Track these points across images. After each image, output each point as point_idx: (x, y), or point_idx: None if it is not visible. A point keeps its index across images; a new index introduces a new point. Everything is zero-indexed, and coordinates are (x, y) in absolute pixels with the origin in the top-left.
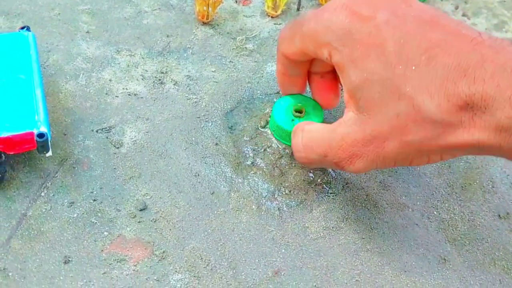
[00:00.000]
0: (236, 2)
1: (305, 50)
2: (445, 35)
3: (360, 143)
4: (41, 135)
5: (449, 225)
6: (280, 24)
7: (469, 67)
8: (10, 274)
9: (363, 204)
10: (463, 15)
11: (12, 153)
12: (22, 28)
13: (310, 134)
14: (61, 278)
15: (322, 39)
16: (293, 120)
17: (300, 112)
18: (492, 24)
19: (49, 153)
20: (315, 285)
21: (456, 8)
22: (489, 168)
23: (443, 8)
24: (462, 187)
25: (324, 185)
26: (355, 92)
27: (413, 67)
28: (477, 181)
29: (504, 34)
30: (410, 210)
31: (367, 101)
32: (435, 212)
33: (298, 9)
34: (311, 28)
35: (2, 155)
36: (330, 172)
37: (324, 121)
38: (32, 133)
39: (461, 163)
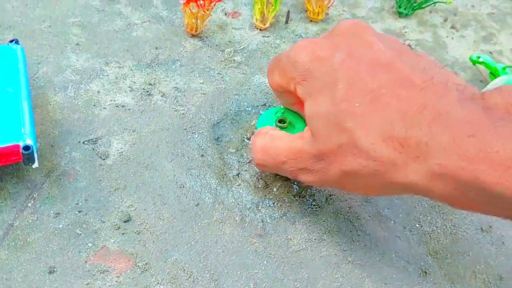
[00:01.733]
0: (226, 14)
1: (280, 83)
2: (395, 79)
3: (311, 160)
4: (26, 148)
5: (431, 238)
6: (268, 36)
7: (409, 111)
8: None
9: (345, 216)
10: (452, 27)
11: None
12: (11, 41)
13: (271, 139)
14: None
15: (290, 75)
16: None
17: (283, 122)
18: (481, 36)
19: (36, 165)
20: None
21: (445, 20)
22: None
23: (432, 21)
24: None
25: (308, 197)
26: (309, 121)
27: (357, 104)
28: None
29: (492, 46)
30: (392, 222)
31: (316, 130)
32: (417, 225)
33: (286, 22)
34: (283, 65)
35: None
36: (311, 185)
37: None
38: (18, 146)
39: None
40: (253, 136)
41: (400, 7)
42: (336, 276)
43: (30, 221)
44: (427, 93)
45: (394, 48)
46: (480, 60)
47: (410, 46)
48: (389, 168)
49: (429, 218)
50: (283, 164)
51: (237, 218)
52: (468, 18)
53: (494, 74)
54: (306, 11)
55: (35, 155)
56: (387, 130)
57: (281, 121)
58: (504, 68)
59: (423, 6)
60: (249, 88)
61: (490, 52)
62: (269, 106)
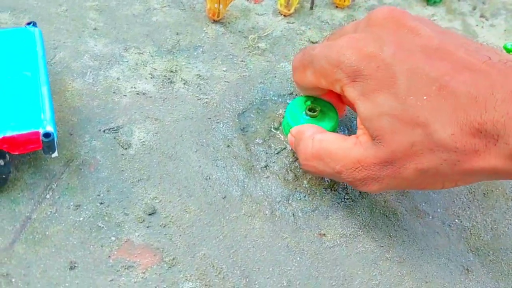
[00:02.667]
0: (248, 0)
1: (319, 84)
2: (453, 63)
3: (376, 167)
4: (47, 135)
5: (471, 233)
6: (293, 23)
7: (479, 95)
8: (13, 280)
9: (381, 211)
10: (481, 16)
11: (16, 153)
12: (29, 23)
13: (321, 145)
14: (66, 284)
15: (334, 77)
16: (307, 120)
17: (313, 111)
18: (511, 25)
19: (55, 154)
20: None
21: (474, 8)
22: None
23: (460, 9)
24: (484, 194)
25: (341, 191)
26: (367, 123)
27: (424, 97)
28: (499, 188)
29: None
30: (430, 217)
31: (380, 132)
32: (456, 220)
33: (311, 8)
34: (322, 67)
35: (7, 155)
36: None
37: (338, 124)
38: (37, 133)
39: None
40: (294, 138)
41: None
42: (374, 274)
43: (49, 213)
44: (491, 73)
45: (438, 31)
46: None
47: None
48: (471, 156)
49: (468, 213)
50: (339, 173)
51: (266, 212)
52: (498, 6)
53: None
54: None
55: (55, 143)
56: (462, 117)
57: (311, 109)
58: None
59: None
60: (275, 76)
61: None
62: (296, 95)
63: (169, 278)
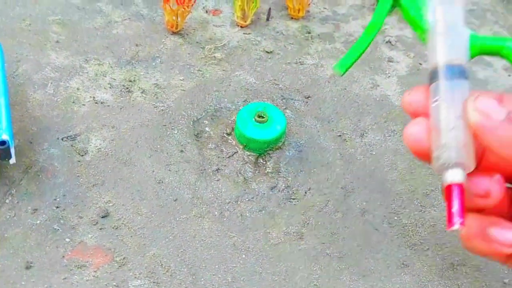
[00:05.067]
0: (207, 12)
1: None
2: None
3: None
4: (2, 143)
5: (409, 230)
6: (249, 33)
7: None
8: None
9: (324, 210)
10: None
11: None
12: None
13: None
14: (23, 283)
15: None
16: (256, 125)
17: (262, 117)
18: None
19: (13, 160)
20: None
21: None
22: None
23: None
24: (424, 193)
25: (287, 191)
26: None
27: None
28: (440, 187)
29: None
30: (371, 215)
31: None
32: (395, 218)
33: (267, 19)
34: None
35: None
36: (292, 178)
37: (286, 127)
38: None
39: (423, 170)
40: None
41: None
42: (314, 269)
43: (8, 217)
44: None
45: None
46: None
47: (390, 42)
48: None
49: (407, 211)
50: None
51: (216, 212)
52: None
53: None
54: (287, 8)
55: (12, 150)
56: None
57: (260, 116)
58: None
59: None
60: (229, 85)
61: None
62: (249, 102)
63: (119, 276)
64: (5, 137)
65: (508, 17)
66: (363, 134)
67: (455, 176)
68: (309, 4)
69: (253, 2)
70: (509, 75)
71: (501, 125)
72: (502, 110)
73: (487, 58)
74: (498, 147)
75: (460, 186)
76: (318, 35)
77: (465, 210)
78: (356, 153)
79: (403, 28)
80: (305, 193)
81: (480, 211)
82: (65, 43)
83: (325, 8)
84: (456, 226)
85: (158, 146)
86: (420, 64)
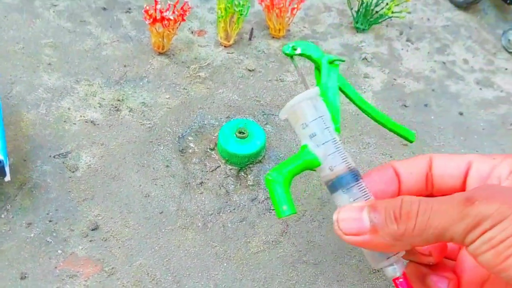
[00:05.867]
0: (192, 33)
1: None
2: None
3: None
4: None
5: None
6: (232, 53)
7: None
8: None
9: (302, 219)
10: (407, 40)
11: None
12: None
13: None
14: None
15: None
16: (237, 141)
17: (243, 133)
18: (435, 48)
19: (8, 178)
20: None
21: (401, 33)
22: None
23: (388, 35)
24: None
25: (266, 202)
26: None
27: None
28: None
29: (446, 57)
30: None
31: None
32: None
33: (250, 39)
34: None
35: None
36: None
37: (266, 142)
38: None
39: None
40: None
41: (357, 22)
42: (292, 275)
43: (3, 231)
44: None
45: None
46: (298, 51)
47: (366, 59)
48: None
49: None
50: None
51: (199, 224)
52: (423, 30)
53: (318, 69)
54: (268, 28)
55: (7, 169)
56: None
57: (241, 132)
58: (331, 61)
59: (379, 21)
60: (213, 102)
61: (444, 63)
62: (232, 118)
63: (108, 285)
64: (0, 157)
65: (481, 32)
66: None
67: (396, 272)
68: (289, 24)
69: (235, 23)
70: (480, 89)
71: (370, 238)
72: (364, 221)
73: (459, 72)
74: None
75: (405, 278)
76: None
77: None
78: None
79: (379, 45)
80: None
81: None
82: (57, 65)
83: (304, 27)
84: None
85: (145, 162)
86: (394, 79)
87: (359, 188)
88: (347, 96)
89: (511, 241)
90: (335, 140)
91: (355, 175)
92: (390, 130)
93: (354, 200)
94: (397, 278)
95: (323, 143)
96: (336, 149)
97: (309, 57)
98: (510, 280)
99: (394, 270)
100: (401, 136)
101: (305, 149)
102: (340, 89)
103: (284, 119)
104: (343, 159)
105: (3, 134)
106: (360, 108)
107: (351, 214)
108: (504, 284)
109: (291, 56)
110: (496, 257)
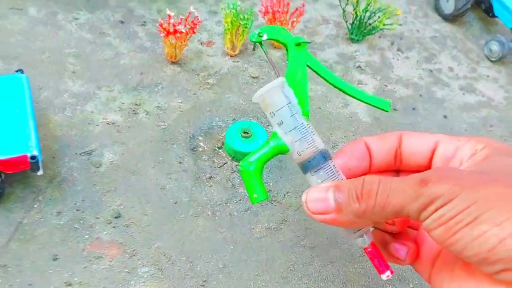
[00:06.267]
0: (201, 44)
1: None
2: None
3: None
4: (33, 157)
5: None
6: (238, 61)
7: None
8: (9, 269)
9: (300, 209)
10: (398, 49)
11: (10, 172)
12: (17, 71)
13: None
14: (51, 272)
15: None
16: (242, 140)
17: (247, 133)
18: (423, 57)
19: (40, 172)
20: (256, 274)
21: (392, 44)
22: None
23: (380, 45)
24: None
25: (269, 194)
26: None
27: None
28: None
29: (433, 66)
30: None
31: None
32: None
33: (253, 49)
34: None
35: (2, 174)
36: (273, 183)
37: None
38: (26, 156)
39: None
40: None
41: (352, 33)
42: (290, 257)
43: (36, 219)
44: None
45: None
46: (264, 37)
47: (360, 67)
48: None
49: None
50: None
51: (209, 212)
52: (413, 41)
53: (287, 49)
54: None
55: (40, 164)
56: None
57: (245, 132)
58: (298, 43)
59: (373, 32)
60: (221, 105)
61: (431, 71)
62: (237, 120)
63: (130, 265)
64: (35, 152)
65: (466, 42)
66: (335, 146)
67: (365, 242)
68: None
69: (241, 35)
70: (464, 94)
71: (335, 216)
72: (330, 200)
73: (445, 79)
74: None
75: (373, 247)
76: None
77: (385, 260)
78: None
79: (371, 55)
80: (284, 195)
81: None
82: (80, 73)
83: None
84: (386, 277)
85: (161, 158)
86: (385, 85)
87: (326, 170)
88: (318, 74)
89: (459, 218)
90: (302, 126)
91: (324, 157)
92: (365, 102)
93: (321, 182)
94: (367, 248)
95: (289, 130)
96: (302, 135)
97: (277, 41)
98: (457, 254)
99: (364, 241)
100: (376, 107)
101: (275, 136)
102: (312, 69)
103: (257, 102)
104: (309, 143)
105: (37, 134)
106: (332, 85)
107: (318, 194)
108: (454, 256)
109: (260, 43)
110: (446, 232)
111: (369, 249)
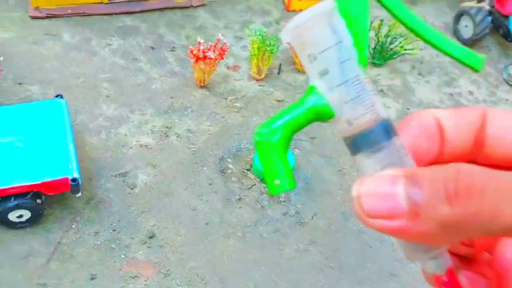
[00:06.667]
0: (228, 68)
1: None
2: None
3: None
4: (74, 180)
5: (397, 247)
6: (263, 85)
7: None
8: None
9: (328, 231)
10: (419, 74)
11: (51, 194)
12: (57, 96)
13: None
14: None
15: None
16: None
17: None
18: (443, 81)
19: (79, 194)
20: None
21: (413, 68)
22: None
23: (401, 69)
24: None
25: (296, 216)
26: None
27: None
28: None
29: (453, 89)
30: (366, 235)
31: None
32: (386, 237)
33: (278, 73)
34: None
35: (42, 195)
36: (300, 205)
37: (296, 163)
38: (67, 179)
39: None
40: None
41: (374, 58)
42: (319, 278)
43: (74, 239)
44: None
45: None
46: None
47: (382, 90)
48: None
49: None
50: None
51: (239, 234)
52: (433, 65)
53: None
54: (295, 63)
55: (80, 186)
56: None
57: None
58: None
59: (394, 57)
60: (248, 128)
61: (451, 94)
62: None
63: (164, 284)
64: (76, 175)
65: (485, 66)
66: (360, 169)
67: (439, 268)
68: None
69: (266, 60)
70: None
71: (406, 224)
72: (400, 197)
73: (465, 102)
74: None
75: (450, 275)
76: None
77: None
78: (353, 184)
79: (393, 78)
80: (312, 217)
81: None
82: (114, 97)
83: None
84: None
85: (192, 180)
86: (408, 109)
87: (391, 151)
88: (388, 9)
89: None
90: (357, 79)
91: (387, 131)
92: (451, 56)
93: (382, 168)
94: (439, 277)
95: (338, 85)
96: (357, 94)
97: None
98: None
99: (438, 265)
100: (466, 64)
101: (312, 91)
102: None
103: (288, 42)
104: (367, 108)
105: (76, 157)
106: (409, 28)
107: (380, 187)
108: None
109: None
110: None
111: (444, 278)
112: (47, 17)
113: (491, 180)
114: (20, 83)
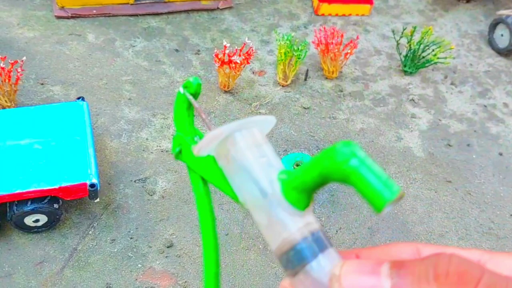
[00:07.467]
0: (253, 73)
1: None
2: None
3: None
4: (92, 185)
5: None
6: (289, 92)
7: None
8: None
9: (353, 247)
10: (451, 83)
11: (68, 199)
12: (78, 98)
13: None
14: None
15: None
16: None
17: (299, 166)
18: (477, 92)
19: (97, 200)
20: None
21: (445, 77)
22: (464, 218)
23: (433, 78)
24: (440, 234)
25: None
26: None
27: None
28: (453, 229)
29: (487, 101)
30: None
31: None
32: None
33: (305, 79)
34: None
35: (60, 200)
36: (325, 218)
37: None
38: (85, 184)
39: (439, 214)
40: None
41: (405, 66)
42: None
43: (91, 245)
44: None
45: None
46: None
47: (413, 100)
48: None
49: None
50: None
51: (260, 246)
52: (466, 75)
53: None
54: (322, 70)
55: (98, 192)
56: None
57: (298, 165)
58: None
59: (426, 65)
60: (272, 136)
61: (485, 106)
62: (289, 152)
63: None
64: (94, 180)
65: None
66: None
67: None
68: (342, 66)
69: (293, 65)
70: None
71: None
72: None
73: (500, 114)
74: None
75: None
76: (350, 93)
77: None
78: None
79: (425, 88)
80: (336, 231)
81: None
82: (136, 100)
83: (356, 69)
84: None
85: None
86: (440, 120)
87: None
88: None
89: None
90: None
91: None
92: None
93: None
94: None
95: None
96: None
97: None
98: None
99: None
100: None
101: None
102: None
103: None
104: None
105: (96, 162)
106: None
107: (361, 273)
108: None
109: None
110: None
111: None
112: (72, 17)
113: (486, 273)
114: (42, 84)
